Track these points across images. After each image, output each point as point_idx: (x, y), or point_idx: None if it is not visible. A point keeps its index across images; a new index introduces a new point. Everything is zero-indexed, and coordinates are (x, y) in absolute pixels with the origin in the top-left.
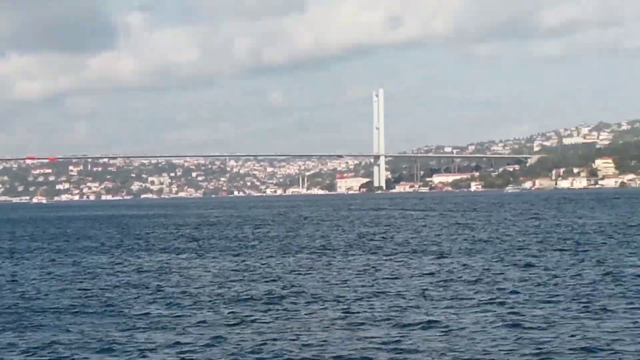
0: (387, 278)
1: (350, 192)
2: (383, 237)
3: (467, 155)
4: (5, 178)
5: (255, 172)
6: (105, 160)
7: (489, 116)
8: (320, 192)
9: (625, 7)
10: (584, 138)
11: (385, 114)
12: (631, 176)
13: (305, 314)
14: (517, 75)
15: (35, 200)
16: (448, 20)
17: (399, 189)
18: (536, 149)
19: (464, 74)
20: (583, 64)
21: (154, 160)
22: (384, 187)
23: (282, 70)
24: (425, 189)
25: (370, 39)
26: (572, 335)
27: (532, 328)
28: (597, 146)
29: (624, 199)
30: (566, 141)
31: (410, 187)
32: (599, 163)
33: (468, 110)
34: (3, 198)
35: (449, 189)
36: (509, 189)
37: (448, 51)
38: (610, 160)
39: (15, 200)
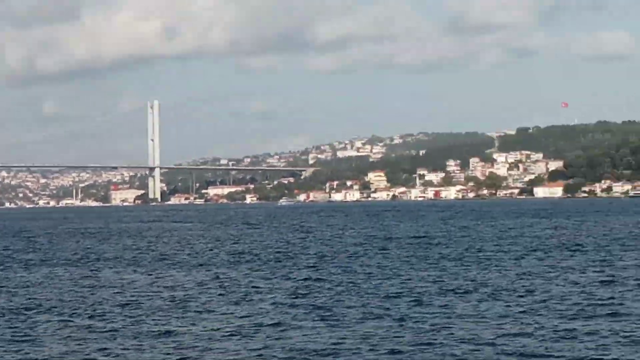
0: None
1: (125, 203)
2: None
3: (243, 168)
4: None
5: (28, 183)
6: None
7: (265, 129)
8: (95, 203)
9: (397, 23)
10: (358, 151)
11: (160, 125)
12: (402, 189)
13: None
14: (292, 89)
15: None
16: (224, 33)
17: (174, 200)
18: (311, 161)
19: (240, 87)
20: (357, 78)
21: None
22: (159, 199)
23: (56, 79)
24: (200, 201)
25: (146, 49)
26: None
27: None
28: (370, 159)
29: (394, 211)
30: (340, 154)
31: (186, 199)
32: (371, 176)
33: (244, 123)
34: None
35: (225, 201)
36: (283, 201)
37: (224, 63)
38: (382, 174)
39: None
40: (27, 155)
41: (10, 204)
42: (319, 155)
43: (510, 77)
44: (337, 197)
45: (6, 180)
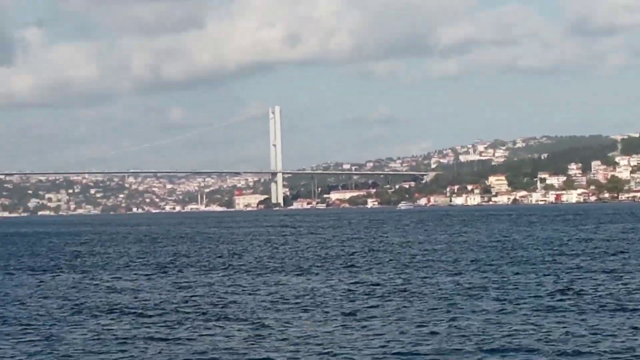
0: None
1: (248, 208)
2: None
3: (365, 172)
4: None
5: (155, 189)
6: (2, 177)
7: (387, 133)
8: (219, 208)
9: (520, 26)
10: (480, 155)
11: (283, 131)
12: (523, 193)
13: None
14: (415, 93)
15: None
16: (346, 38)
17: (296, 205)
18: (433, 165)
19: (363, 92)
20: (480, 82)
21: (51, 177)
22: (282, 204)
23: (181, 87)
24: (322, 206)
25: (269, 56)
26: None
27: None
28: (492, 163)
29: (515, 215)
30: (462, 158)
31: (308, 203)
32: (492, 180)
33: (367, 128)
34: None
35: (346, 205)
36: (402, 205)
37: (346, 69)
38: (503, 177)
39: None
40: (153, 161)
41: (137, 210)
42: (441, 160)
43: (635, 79)
44: (458, 201)
45: (134, 186)
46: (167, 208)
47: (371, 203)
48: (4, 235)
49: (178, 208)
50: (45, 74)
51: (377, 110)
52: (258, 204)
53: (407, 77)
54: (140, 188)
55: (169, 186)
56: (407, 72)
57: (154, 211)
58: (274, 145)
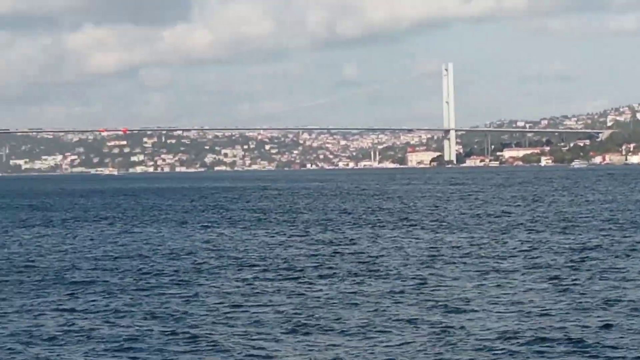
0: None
1: (420, 165)
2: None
3: (539, 130)
4: (81, 150)
5: (328, 145)
6: (179, 132)
7: (563, 91)
8: (392, 165)
9: None
10: None
11: (456, 88)
12: None
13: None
14: (590, 50)
15: (107, 172)
16: None
17: (469, 163)
18: (609, 123)
19: (537, 48)
20: None
21: (227, 133)
22: (455, 161)
23: (356, 43)
24: (495, 164)
25: (443, 12)
26: None
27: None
28: None
29: None
30: None
31: (481, 161)
32: None
33: (541, 85)
34: (79, 169)
35: (520, 163)
36: (576, 163)
37: (521, 25)
38: None
39: (93, 171)
40: (327, 117)
41: (311, 166)
42: (617, 117)
43: None
44: (634, 159)
45: (308, 143)
46: (340, 164)
47: (544, 161)
48: (195, 190)
49: (351, 165)
50: (222, 30)
51: (551, 66)
52: (430, 162)
53: (583, 33)
54: (314, 144)
55: (342, 142)
56: (582, 27)
57: (327, 167)
58: (447, 103)
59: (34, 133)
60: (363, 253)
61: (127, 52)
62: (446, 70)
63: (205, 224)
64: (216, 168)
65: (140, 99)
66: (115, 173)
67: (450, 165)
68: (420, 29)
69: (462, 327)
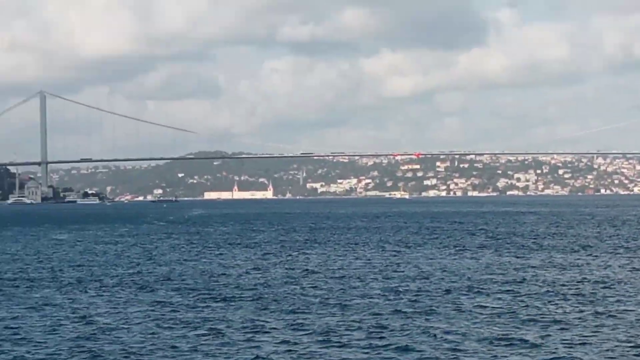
0: None
1: None
2: None
3: None
4: (375, 173)
5: (624, 170)
6: (472, 156)
7: None
8: None
9: None
10: None
11: None
12: None
13: None
14: None
15: (398, 195)
16: None
17: None
18: None
19: None
20: None
21: (520, 157)
22: None
23: None
24: None
25: None
26: None
27: None
28: None
29: None
30: None
31: None
32: None
33: None
34: (373, 193)
35: None
36: None
37: None
38: None
39: (387, 195)
40: (623, 141)
41: (605, 191)
42: None
43: None
44: None
45: (602, 167)
46: (636, 190)
47: None
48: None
49: None
50: (517, 54)
51: None
52: None
53: None
54: (609, 169)
55: (638, 167)
56: None
57: (621, 192)
58: None
59: (330, 157)
60: None
61: (422, 77)
62: None
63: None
64: (508, 192)
65: (434, 123)
66: (407, 197)
67: None
68: None
69: None
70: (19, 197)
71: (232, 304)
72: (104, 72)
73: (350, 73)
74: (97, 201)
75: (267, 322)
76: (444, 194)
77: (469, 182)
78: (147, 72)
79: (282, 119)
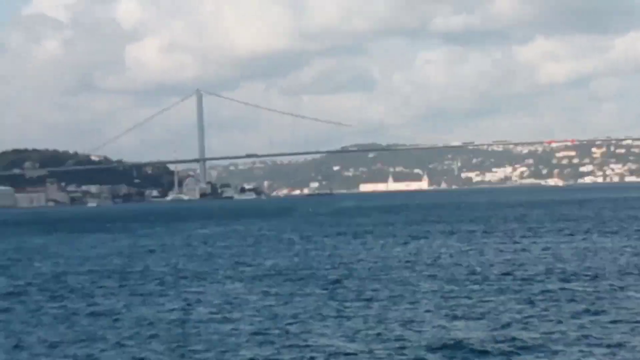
0: None
1: None
2: None
3: None
4: (530, 161)
5: None
6: (629, 141)
7: None
8: None
9: None
10: None
11: None
12: None
13: None
14: None
15: (551, 183)
16: None
17: None
18: None
19: None
20: None
21: None
22: None
23: None
24: None
25: None
26: None
27: None
28: None
29: None
30: None
31: None
32: None
33: None
34: (528, 181)
35: None
36: None
37: None
38: None
39: (542, 182)
40: None
41: None
42: None
43: None
44: None
45: None
46: None
47: None
48: None
49: None
50: None
51: None
52: None
53: None
54: None
55: None
56: None
57: None
58: None
59: (485, 146)
60: None
61: (577, 62)
62: None
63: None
64: None
65: (589, 109)
66: (560, 184)
67: None
68: None
69: None
70: (177, 194)
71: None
72: (259, 68)
73: (503, 61)
74: (254, 196)
75: None
76: (600, 180)
77: (626, 168)
78: (301, 67)
79: (436, 109)
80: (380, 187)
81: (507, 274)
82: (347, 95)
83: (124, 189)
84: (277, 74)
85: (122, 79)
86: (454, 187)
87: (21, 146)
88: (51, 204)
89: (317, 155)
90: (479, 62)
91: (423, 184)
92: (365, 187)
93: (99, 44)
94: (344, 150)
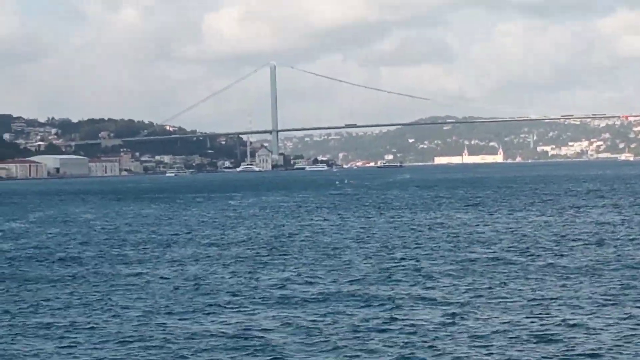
0: None
1: None
2: None
3: None
4: (607, 135)
5: None
6: None
7: None
8: None
9: None
10: None
11: None
12: None
13: None
14: None
15: (622, 157)
16: None
17: None
18: None
19: None
20: None
21: None
22: None
23: None
24: None
25: None
26: None
27: None
28: None
29: None
30: None
31: None
32: None
33: None
34: (604, 155)
35: None
36: None
37: None
38: None
39: (618, 157)
40: None
41: None
42: None
43: None
44: None
45: None
46: None
47: None
48: None
49: None
50: None
51: None
52: None
53: None
54: None
55: None
56: None
57: None
58: None
59: (561, 119)
60: None
61: None
62: None
63: None
64: None
65: None
66: (631, 159)
67: None
68: None
69: None
70: (248, 164)
71: None
72: (336, 39)
73: (583, 33)
74: (325, 168)
75: None
76: None
77: None
78: (380, 38)
79: (514, 82)
80: (455, 159)
81: None
82: (424, 68)
83: (197, 159)
84: (355, 45)
85: (199, 49)
86: (529, 160)
87: (97, 116)
88: (125, 173)
89: (392, 128)
90: (558, 34)
91: (498, 157)
92: (440, 160)
93: (176, 14)
94: (419, 122)
